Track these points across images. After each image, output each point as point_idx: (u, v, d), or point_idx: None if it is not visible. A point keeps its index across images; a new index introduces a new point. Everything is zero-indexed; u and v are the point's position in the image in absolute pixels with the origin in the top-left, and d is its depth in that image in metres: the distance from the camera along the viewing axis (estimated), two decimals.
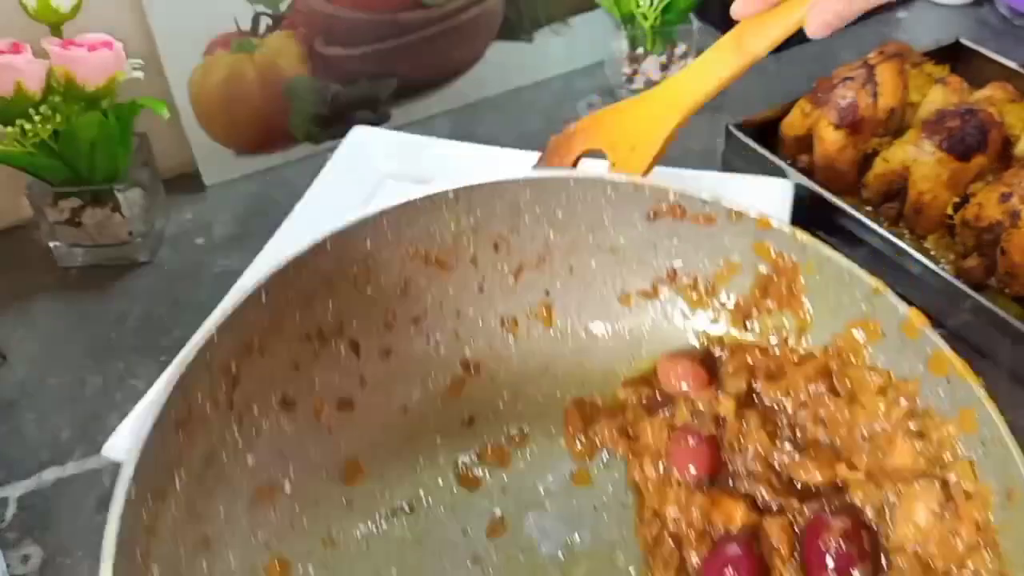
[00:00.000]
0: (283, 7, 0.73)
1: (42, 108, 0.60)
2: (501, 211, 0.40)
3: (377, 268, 0.38)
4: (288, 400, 0.37)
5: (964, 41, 0.77)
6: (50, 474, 0.54)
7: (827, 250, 0.38)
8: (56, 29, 0.63)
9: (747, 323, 0.40)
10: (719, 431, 0.39)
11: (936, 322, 0.60)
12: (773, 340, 0.41)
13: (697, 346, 0.42)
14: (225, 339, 0.34)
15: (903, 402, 0.37)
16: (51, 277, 0.68)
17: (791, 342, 0.40)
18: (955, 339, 0.59)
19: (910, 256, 0.60)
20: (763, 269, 0.39)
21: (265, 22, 0.73)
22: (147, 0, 0.67)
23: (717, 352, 0.41)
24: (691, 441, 0.39)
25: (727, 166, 0.73)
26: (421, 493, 0.39)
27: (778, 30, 0.45)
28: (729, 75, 0.48)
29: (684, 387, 0.40)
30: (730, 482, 0.39)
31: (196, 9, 0.70)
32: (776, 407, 0.40)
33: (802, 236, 0.38)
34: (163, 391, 0.33)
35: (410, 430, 0.40)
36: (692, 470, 0.39)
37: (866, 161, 0.67)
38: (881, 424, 0.37)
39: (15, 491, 0.54)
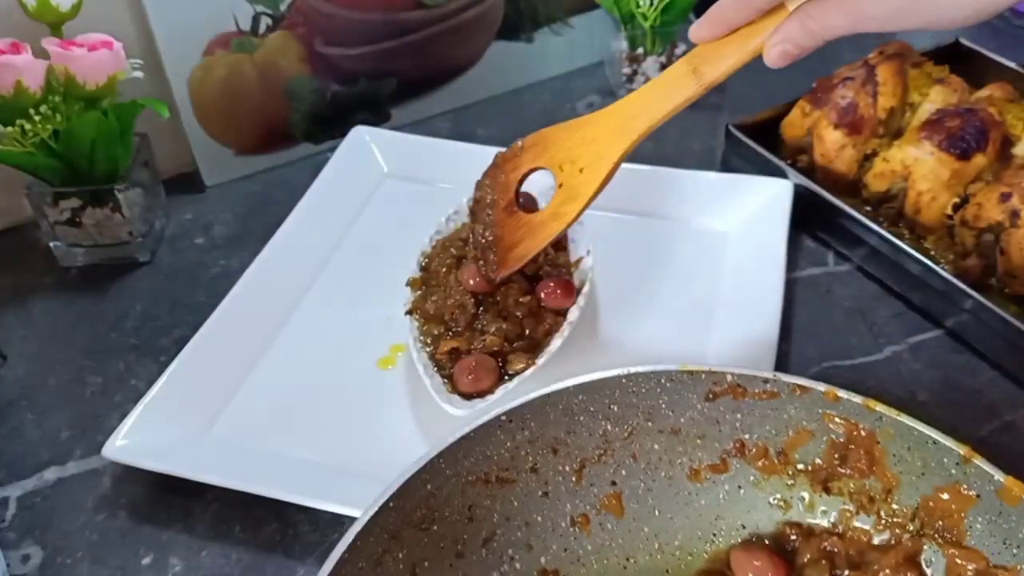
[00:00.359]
0: (283, 7, 0.73)
1: (42, 108, 0.60)
2: (555, 418, 0.39)
3: (440, 505, 0.37)
4: None
5: (964, 41, 0.78)
6: (50, 474, 0.54)
7: (906, 419, 0.37)
8: (56, 29, 0.63)
9: (828, 486, 0.39)
10: None
11: (936, 322, 0.61)
12: (851, 510, 0.39)
13: (772, 527, 0.40)
14: None
15: None
16: (51, 277, 0.68)
17: (880, 509, 0.38)
18: (955, 339, 0.60)
19: (910, 256, 0.60)
20: (838, 437, 0.38)
21: (265, 22, 0.73)
22: (147, 0, 0.67)
23: (792, 537, 0.39)
24: None
25: (727, 166, 0.73)
26: None
27: (735, 58, 0.44)
28: (682, 101, 0.47)
29: None
30: None
31: (196, 9, 0.70)
32: None
33: (876, 406, 0.37)
34: None
35: None
36: None
37: (866, 161, 0.67)
38: None
39: (15, 491, 0.54)
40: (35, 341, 0.63)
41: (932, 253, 0.62)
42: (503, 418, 0.38)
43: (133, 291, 0.67)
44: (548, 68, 0.88)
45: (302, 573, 0.48)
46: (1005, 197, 0.58)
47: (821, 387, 0.38)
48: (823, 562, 0.38)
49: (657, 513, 0.41)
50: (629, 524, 0.40)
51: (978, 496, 0.36)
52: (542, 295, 0.55)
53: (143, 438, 0.52)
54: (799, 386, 0.38)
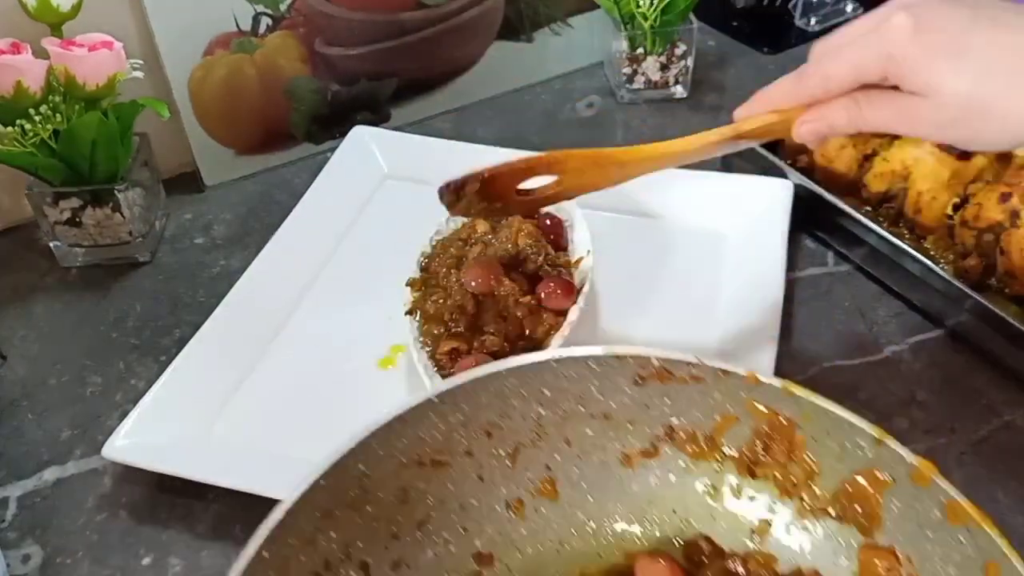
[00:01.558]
0: (283, 7, 0.73)
1: (42, 108, 0.60)
2: (488, 401, 0.39)
3: (373, 486, 0.38)
4: None
5: None
6: (50, 474, 0.55)
7: (822, 401, 0.38)
8: (56, 29, 0.63)
9: (754, 472, 0.40)
10: None
11: (936, 322, 0.61)
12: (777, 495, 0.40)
13: (699, 522, 0.41)
14: None
15: None
16: (51, 277, 0.68)
17: (803, 493, 0.39)
18: (955, 339, 0.60)
19: (910, 256, 0.60)
20: (761, 424, 0.39)
21: (265, 22, 0.73)
22: (147, 0, 0.67)
23: (703, 551, 0.40)
24: None
25: (727, 166, 0.73)
26: None
27: (766, 121, 0.45)
28: (713, 140, 0.47)
29: None
30: None
31: (196, 9, 0.70)
32: None
33: (795, 389, 0.38)
34: None
35: None
36: None
37: (866, 161, 0.67)
38: None
39: (15, 491, 0.54)
40: (35, 341, 0.63)
41: (932, 253, 0.62)
42: (435, 400, 0.38)
43: (133, 291, 0.67)
44: (548, 68, 0.88)
45: None
46: (1005, 197, 0.58)
47: (742, 371, 0.38)
48: None
49: (591, 499, 0.41)
50: (563, 509, 0.41)
51: (893, 479, 0.37)
52: (542, 295, 0.55)
53: (143, 438, 0.52)
54: (723, 370, 0.39)
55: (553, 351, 0.40)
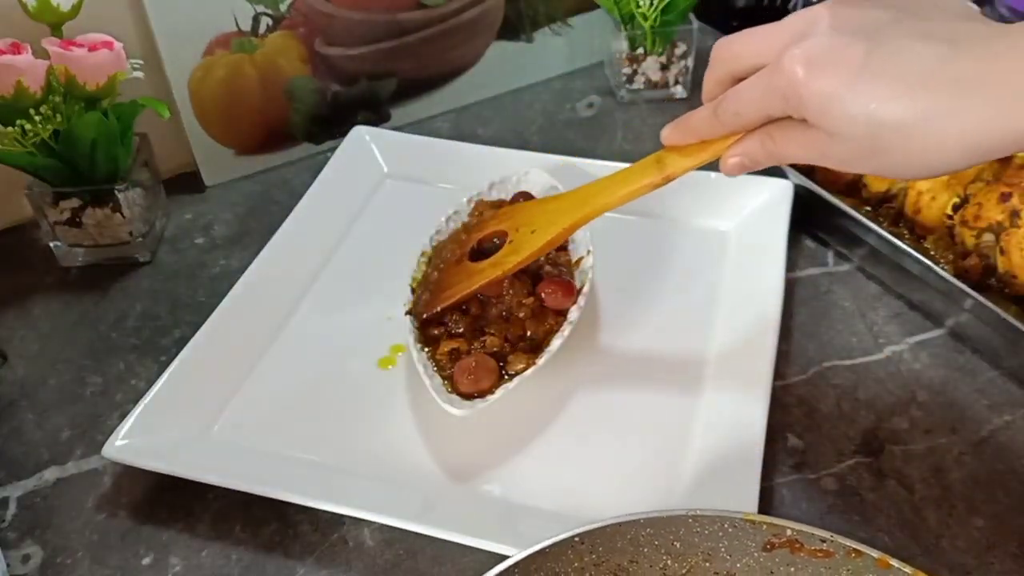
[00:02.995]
0: (283, 7, 0.73)
1: (42, 108, 0.60)
2: (622, 547, 0.41)
3: None
4: None
5: None
6: (50, 474, 0.55)
7: None
8: (56, 29, 0.63)
9: None
10: None
11: (936, 322, 0.61)
12: None
13: None
14: None
15: None
16: (51, 277, 0.68)
17: None
18: (955, 339, 0.60)
19: (910, 256, 0.60)
20: None
21: (265, 22, 0.73)
22: (147, 0, 0.67)
23: None
24: None
25: None
26: None
27: (696, 160, 0.46)
28: (642, 186, 0.48)
29: None
30: None
31: (196, 9, 0.70)
32: None
33: None
34: None
35: None
36: None
37: None
38: None
39: (15, 491, 0.54)
40: (35, 341, 0.63)
41: (932, 253, 0.62)
42: (576, 539, 0.40)
43: (133, 291, 0.67)
44: (548, 68, 0.88)
45: (302, 573, 0.49)
46: (1005, 197, 0.58)
47: (874, 553, 0.39)
48: None
49: None
50: None
51: None
52: (542, 295, 0.55)
53: (143, 438, 0.52)
54: (855, 550, 0.39)
55: (691, 509, 0.41)
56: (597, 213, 0.52)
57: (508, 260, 0.54)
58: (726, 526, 0.41)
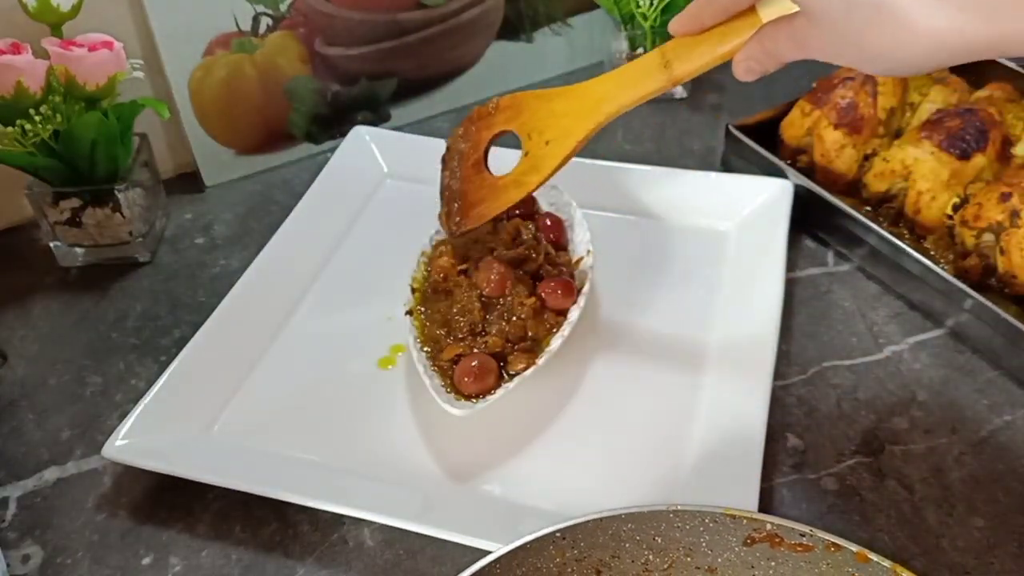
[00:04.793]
0: (283, 7, 0.73)
1: (42, 108, 0.60)
2: (604, 542, 0.41)
3: None
4: None
5: None
6: (50, 474, 0.54)
7: None
8: (56, 29, 0.63)
9: None
10: None
11: (936, 322, 0.61)
12: None
13: None
14: None
15: None
16: (51, 277, 0.68)
17: None
18: (955, 339, 0.60)
19: (910, 256, 0.60)
20: None
21: (265, 22, 0.73)
22: (147, 0, 0.67)
23: None
24: None
25: (727, 166, 0.73)
26: None
27: (706, 58, 0.45)
28: (650, 92, 0.48)
29: None
30: None
31: (196, 9, 0.70)
32: None
33: (903, 572, 0.39)
34: None
35: None
36: None
37: (866, 161, 0.67)
38: None
39: (15, 491, 0.54)
40: (35, 341, 0.63)
41: (932, 253, 0.62)
42: (557, 535, 0.40)
43: (133, 291, 0.67)
44: (548, 68, 0.88)
45: (302, 573, 0.49)
46: (1005, 197, 0.58)
47: (853, 547, 0.39)
48: None
49: None
50: None
51: None
52: (542, 295, 0.55)
53: (143, 438, 0.52)
54: (833, 543, 0.40)
55: (671, 504, 0.41)
56: (608, 120, 0.50)
57: (530, 179, 0.53)
58: (707, 521, 0.41)
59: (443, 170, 0.58)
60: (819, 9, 0.38)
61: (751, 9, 0.43)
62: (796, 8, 0.39)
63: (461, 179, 0.56)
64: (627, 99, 0.49)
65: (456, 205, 0.56)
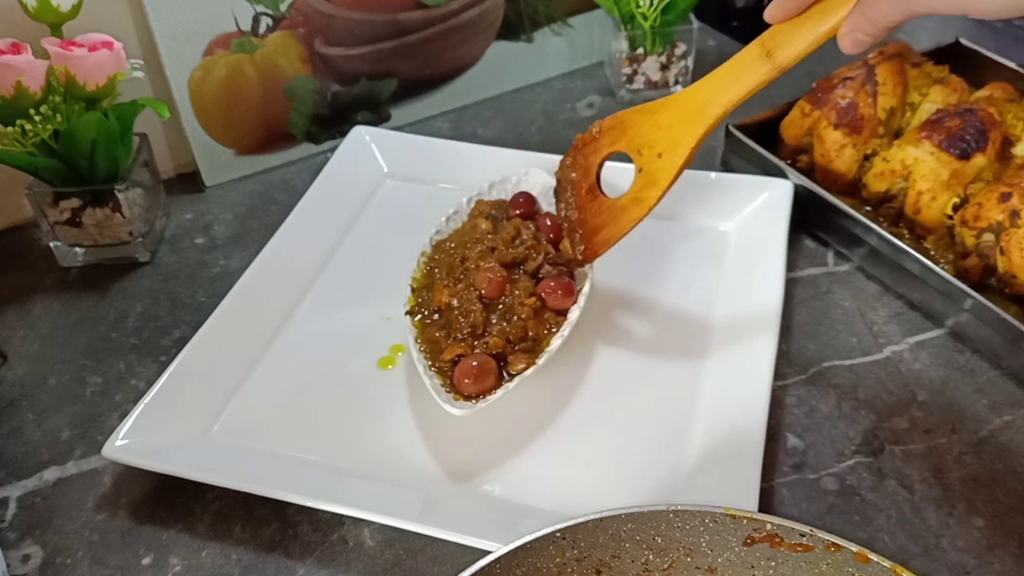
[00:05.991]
0: (283, 7, 0.73)
1: (42, 108, 0.60)
2: (604, 541, 0.41)
3: None
4: None
5: (964, 41, 0.78)
6: (50, 474, 0.55)
7: None
8: (56, 29, 0.63)
9: None
10: None
11: (936, 322, 0.61)
12: None
13: None
14: None
15: None
16: (51, 277, 0.68)
17: None
18: (955, 339, 0.60)
19: (910, 256, 0.60)
20: None
21: (265, 22, 0.73)
22: (147, 0, 0.67)
23: None
24: None
25: (727, 166, 0.73)
26: None
27: (809, 39, 0.45)
28: (756, 85, 0.47)
29: None
30: None
31: (196, 9, 0.70)
32: None
33: (903, 572, 0.39)
34: None
35: None
36: None
37: (866, 161, 0.67)
38: None
39: (15, 491, 0.54)
40: (35, 341, 0.63)
41: (932, 253, 0.62)
42: (557, 534, 0.40)
43: (133, 291, 0.67)
44: (548, 68, 0.88)
45: (302, 573, 0.49)
46: (1005, 197, 0.58)
47: (853, 547, 0.39)
48: None
49: None
50: None
51: None
52: (543, 295, 0.55)
53: (143, 438, 0.52)
54: (833, 543, 0.40)
55: (672, 504, 0.41)
56: (717, 122, 0.50)
57: (649, 195, 0.52)
58: (707, 521, 0.41)
59: (557, 203, 0.57)
60: None
61: None
62: None
63: (578, 208, 0.56)
64: (733, 96, 0.48)
65: (578, 235, 0.56)
